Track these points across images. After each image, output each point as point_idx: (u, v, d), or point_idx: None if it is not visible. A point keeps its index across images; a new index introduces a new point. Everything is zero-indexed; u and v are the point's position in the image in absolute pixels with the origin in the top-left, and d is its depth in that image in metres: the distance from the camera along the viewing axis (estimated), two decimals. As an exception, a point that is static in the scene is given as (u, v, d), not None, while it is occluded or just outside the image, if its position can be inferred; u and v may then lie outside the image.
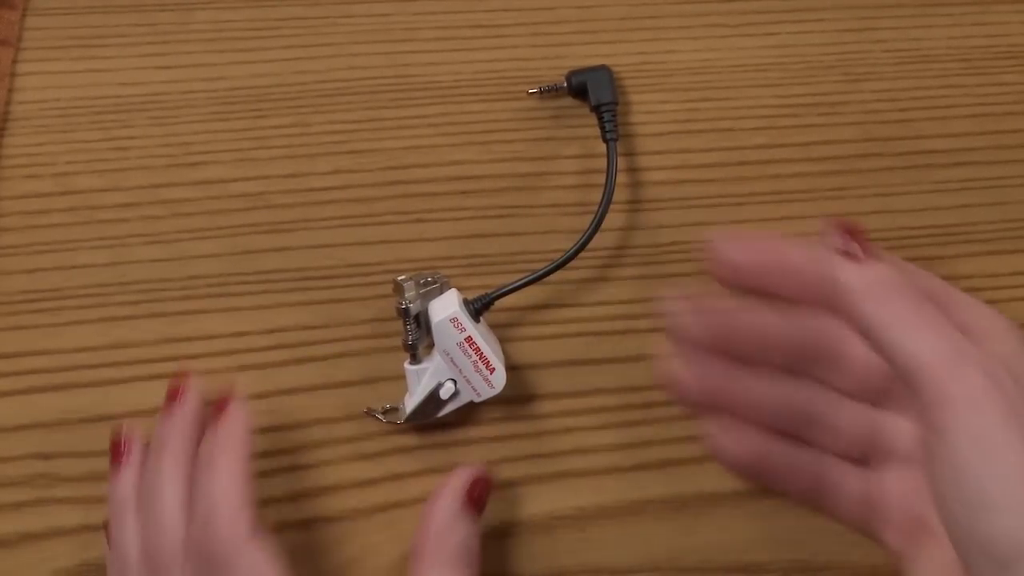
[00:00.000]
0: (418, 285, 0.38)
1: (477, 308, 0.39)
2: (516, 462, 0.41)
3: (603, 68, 0.45)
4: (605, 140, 0.44)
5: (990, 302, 0.43)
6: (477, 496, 0.38)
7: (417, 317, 0.38)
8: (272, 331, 0.42)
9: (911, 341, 0.31)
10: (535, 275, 0.40)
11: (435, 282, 0.38)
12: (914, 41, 0.48)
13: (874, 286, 0.33)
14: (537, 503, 0.40)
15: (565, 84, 0.45)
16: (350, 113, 0.46)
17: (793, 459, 0.38)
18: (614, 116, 0.44)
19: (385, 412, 0.40)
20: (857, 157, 0.46)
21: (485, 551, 0.40)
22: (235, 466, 0.35)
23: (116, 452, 0.38)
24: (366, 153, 0.45)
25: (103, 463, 0.40)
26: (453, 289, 0.39)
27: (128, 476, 0.38)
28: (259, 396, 0.41)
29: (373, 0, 0.48)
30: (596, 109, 0.44)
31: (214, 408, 0.37)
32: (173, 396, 0.38)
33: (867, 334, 0.32)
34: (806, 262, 0.36)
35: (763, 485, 0.39)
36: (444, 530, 0.37)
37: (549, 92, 0.46)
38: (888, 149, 0.46)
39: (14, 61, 0.46)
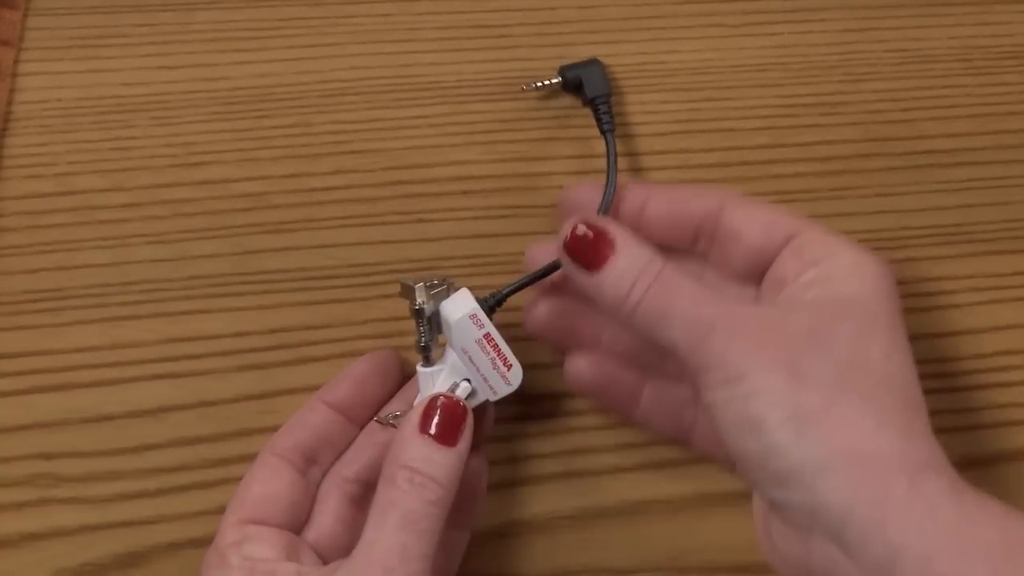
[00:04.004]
0: (427, 287, 0.38)
1: (491, 305, 0.38)
2: (516, 462, 0.41)
3: (595, 61, 0.45)
4: (603, 132, 0.43)
5: (991, 302, 0.44)
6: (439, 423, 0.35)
7: (430, 318, 0.38)
8: (274, 331, 0.42)
9: (660, 329, 0.34)
10: (545, 269, 0.39)
11: (442, 283, 0.38)
12: (916, 41, 0.48)
13: (609, 296, 0.35)
14: (537, 503, 0.40)
15: (559, 79, 0.45)
16: (352, 113, 0.46)
17: (651, 391, 0.39)
18: (610, 108, 0.44)
19: (398, 419, 0.39)
20: (859, 157, 0.46)
21: (485, 551, 0.40)
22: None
23: None
24: (368, 153, 0.45)
25: (104, 463, 0.40)
26: (464, 288, 0.38)
27: None
28: (261, 396, 0.41)
29: (375, 0, 0.48)
30: (592, 102, 0.44)
31: None
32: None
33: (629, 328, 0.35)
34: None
35: (626, 417, 0.40)
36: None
37: (544, 88, 0.45)
38: (890, 149, 0.46)
39: (16, 61, 0.46)
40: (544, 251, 0.39)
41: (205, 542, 0.37)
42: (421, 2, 0.48)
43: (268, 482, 0.37)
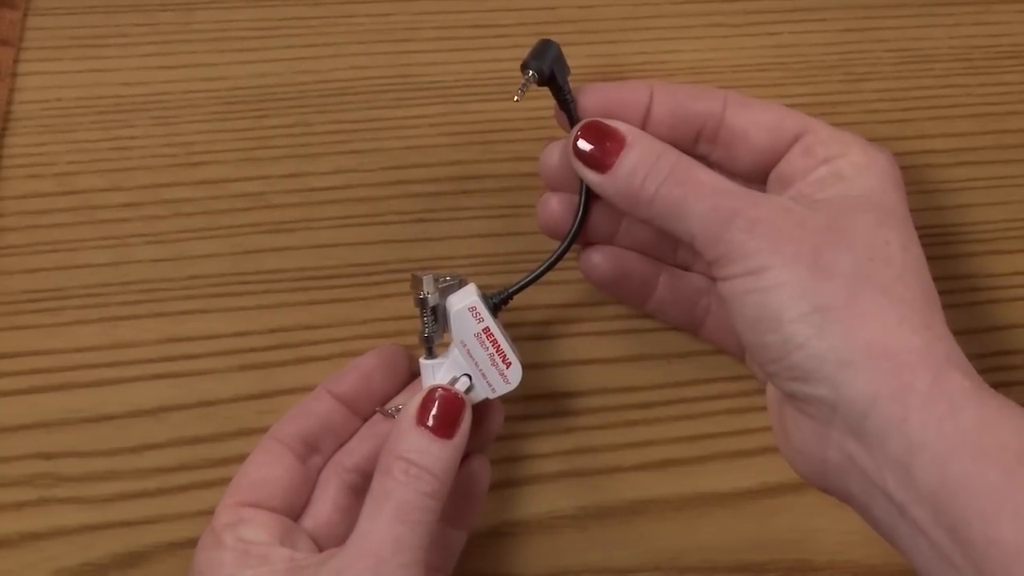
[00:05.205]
0: (437, 281, 0.38)
1: (496, 303, 0.38)
2: (516, 462, 0.41)
3: (549, 43, 0.39)
4: (567, 108, 0.39)
5: (991, 302, 0.44)
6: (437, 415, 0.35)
7: (434, 310, 0.38)
8: (273, 331, 0.42)
9: (677, 221, 0.34)
10: (549, 260, 0.39)
11: (453, 280, 0.38)
12: (916, 41, 0.48)
13: (623, 192, 0.35)
14: (537, 503, 0.40)
15: (535, 76, 0.39)
16: (351, 113, 0.46)
17: (665, 281, 0.40)
18: (568, 83, 0.40)
19: (399, 411, 0.39)
20: (858, 157, 0.46)
21: (485, 551, 0.40)
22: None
23: None
24: (367, 153, 0.45)
25: (105, 463, 0.40)
26: (472, 283, 0.39)
27: None
28: (260, 396, 0.41)
29: (374, 0, 0.48)
30: (560, 86, 0.39)
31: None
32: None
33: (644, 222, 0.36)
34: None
35: (639, 308, 0.41)
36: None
37: (525, 90, 0.39)
38: (889, 149, 0.46)
39: (15, 61, 0.46)
40: (558, 148, 0.39)
41: (205, 542, 0.37)
42: (420, 2, 0.48)
43: (266, 466, 0.37)
